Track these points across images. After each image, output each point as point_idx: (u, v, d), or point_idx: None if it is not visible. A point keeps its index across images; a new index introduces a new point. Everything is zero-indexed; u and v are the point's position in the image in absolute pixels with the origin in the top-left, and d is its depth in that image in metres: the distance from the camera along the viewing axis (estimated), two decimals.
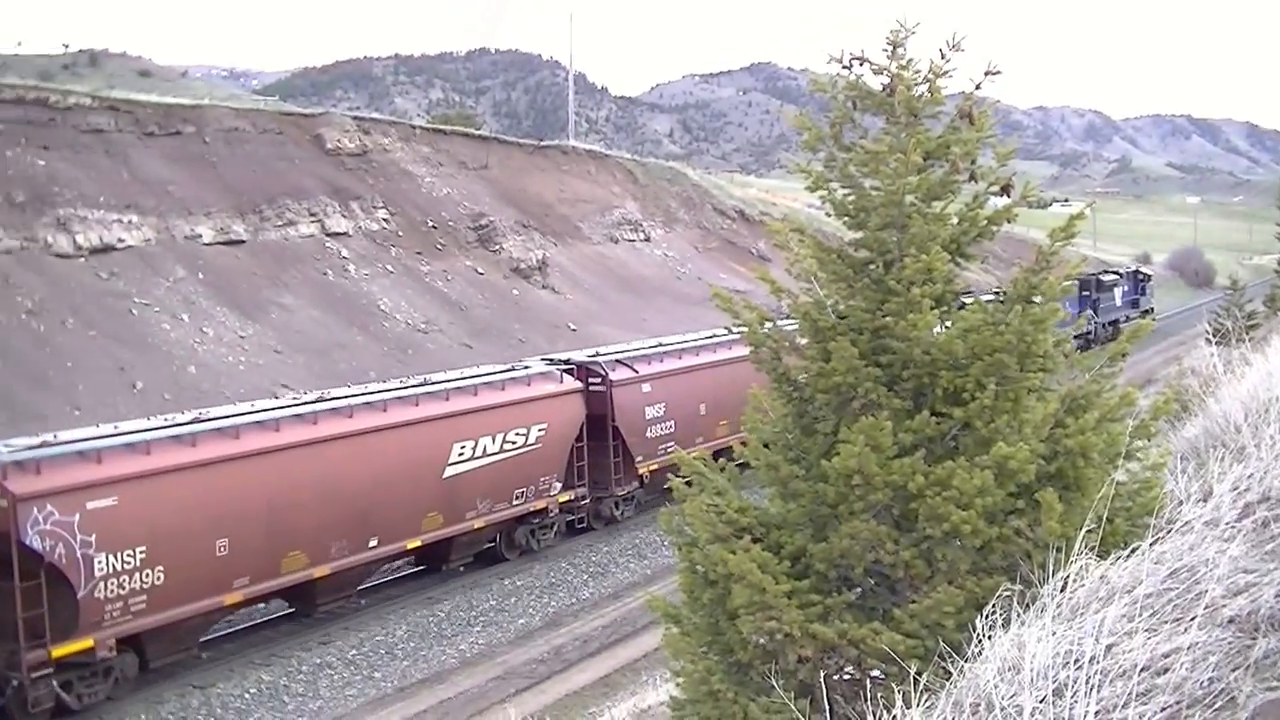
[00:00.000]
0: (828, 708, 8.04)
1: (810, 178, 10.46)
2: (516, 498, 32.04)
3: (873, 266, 10.19)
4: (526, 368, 33.99)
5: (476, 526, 30.91)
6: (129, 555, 22.23)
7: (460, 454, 29.97)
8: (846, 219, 10.43)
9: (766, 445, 10.72)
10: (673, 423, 37.26)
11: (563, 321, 59.08)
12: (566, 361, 35.49)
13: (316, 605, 27.52)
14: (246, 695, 24.31)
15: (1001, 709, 5.94)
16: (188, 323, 44.22)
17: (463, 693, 24.99)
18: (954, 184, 10.15)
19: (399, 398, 29.06)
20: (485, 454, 30.68)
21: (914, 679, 7.07)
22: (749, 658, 9.84)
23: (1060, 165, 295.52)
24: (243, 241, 51.04)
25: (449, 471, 29.71)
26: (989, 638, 6.85)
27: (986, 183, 10.26)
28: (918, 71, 10.09)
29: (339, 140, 61.33)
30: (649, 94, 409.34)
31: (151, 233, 47.36)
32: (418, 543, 29.15)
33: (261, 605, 27.96)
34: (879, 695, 7.57)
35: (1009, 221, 10.38)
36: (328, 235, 55.24)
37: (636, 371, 36.30)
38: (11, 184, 44.11)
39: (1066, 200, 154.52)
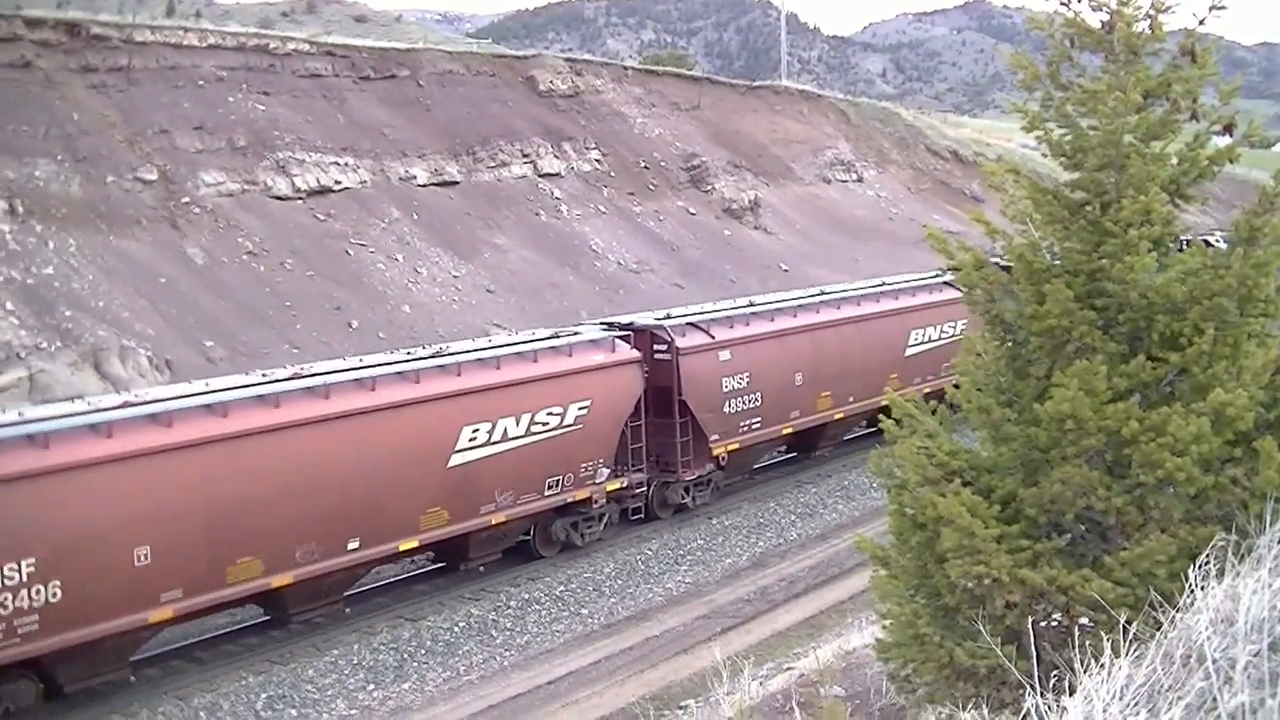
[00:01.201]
0: (1034, 654, 7.98)
1: (1026, 117, 10.31)
2: (550, 488, 27.40)
3: (1089, 208, 10.01)
4: (576, 333, 29.32)
5: (495, 522, 26.36)
6: (11, 570, 18.79)
7: (472, 439, 25.53)
8: (1063, 159, 10.26)
9: (979, 388, 10.63)
10: (759, 395, 32.18)
11: (774, 262, 58.87)
12: (628, 326, 30.66)
13: (290, 615, 24.22)
14: (456, 628, 24.88)
15: (1214, 661, 5.84)
16: (402, 263, 45.13)
17: (668, 630, 25.21)
18: (1174, 123, 9.91)
19: (397, 373, 24.89)
20: (506, 438, 26.17)
21: (1123, 628, 6.97)
22: (956, 602, 9.82)
23: None
24: (456, 183, 51.80)
25: (456, 460, 25.26)
26: (1202, 588, 6.72)
27: (1208, 122, 10.00)
28: (1138, 8, 9.84)
29: (551, 82, 61.74)
30: (862, 33, 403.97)
31: (367, 175, 48.35)
32: (414, 543, 24.98)
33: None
34: (1087, 643, 7.48)
35: (1231, 162, 10.11)
36: (540, 176, 55.73)
37: (713, 337, 31.19)
38: (233, 129, 45.41)
39: None
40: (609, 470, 28.85)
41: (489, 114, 56.32)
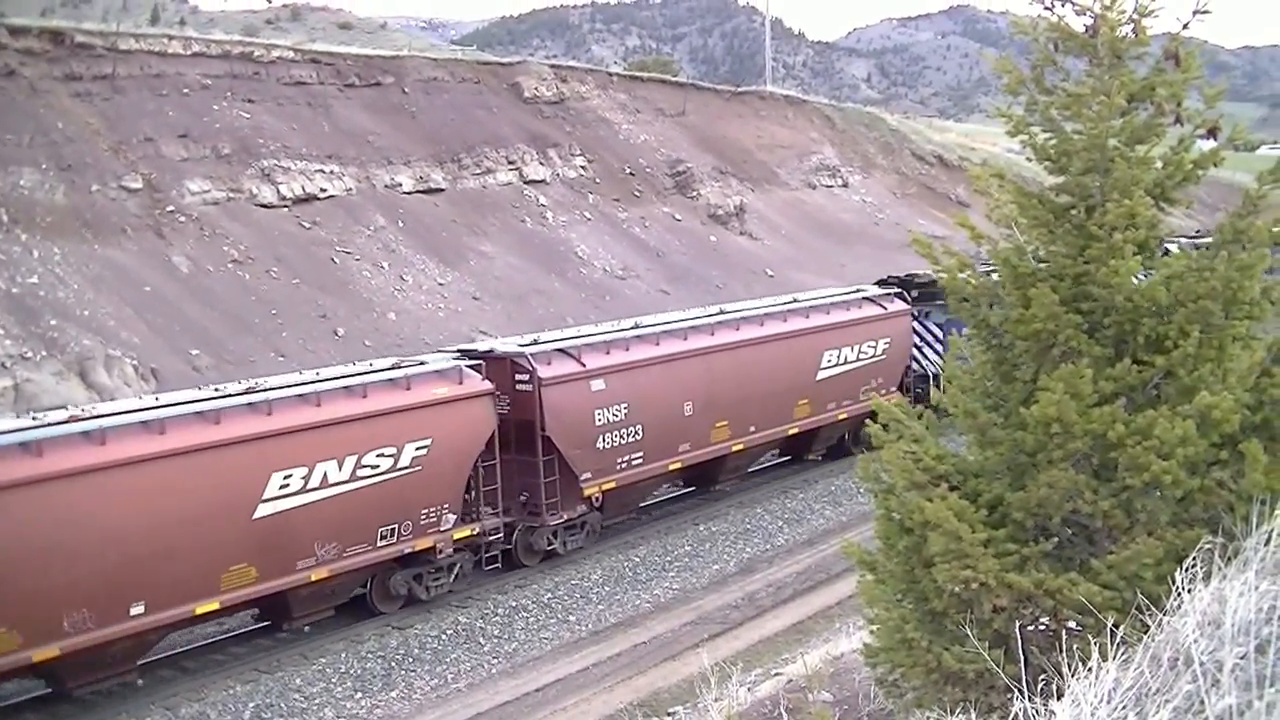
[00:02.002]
0: (1022, 658, 8.00)
1: (1011, 122, 10.34)
2: (384, 538, 24.37)
3: (1074, 212, 10.05)
4: (422, 363, 26.37)
5: (316, 578, 23.30)
6: None
7: (284, 486, 22.37)
8: (1047, 163, 10.29)
9: (964, 392, 10.65)
10: (639, 428, 28.95)
11: (760, 267, 58.92)
12: (485, 353, 27.81)
13: (69, 689, 21.25)
14: (443, 636, 24.87)
15: (1201, 664, 5.85)
16: (388, 270, 45.13)
17: (656, 637, 25.20)
18: (1159, 127, 9.95)
19: (195, 413, 21.83)
20: (327, 484, 23.06)
21: (1110, 631, 6.99)
22: (944, 606, 9.84)
23: (1270, 107, 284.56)
24: (442, 190, 51.80)
25: (264, 510, 22.12)
26: (1189, 591, 6.73)
27: (1192, 125, 10.02)
28: (1122, 11, 9.88)
29: (536, 88, 61.78)
30: (846, 39, 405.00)
31: (352, 182, 48.34)
32: (214, 605, 21.77)
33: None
34: (1074, 646, 7.50)
35: (1215, 165, 10.13)
36: (526, 183, 55.76)
37: (583, 365, 27.99)
38: (218, 136, 45.38)
39: (1276, 143, 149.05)
40: (456, 516, 25.86)
41: (474, 121, 56.35)
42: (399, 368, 25.60)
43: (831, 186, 73.54)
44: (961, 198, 74.43)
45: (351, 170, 48.60)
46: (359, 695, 22.46)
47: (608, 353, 28.78)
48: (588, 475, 28.14)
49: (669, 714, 20.17)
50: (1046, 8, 10.09)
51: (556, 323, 41.58)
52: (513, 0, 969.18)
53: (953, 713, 9.38)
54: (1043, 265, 10.07)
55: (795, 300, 36.11)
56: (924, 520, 9.63)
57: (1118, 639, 6.81)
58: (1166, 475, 8.76)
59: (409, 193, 50.33)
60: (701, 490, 33.83)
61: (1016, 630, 9.03)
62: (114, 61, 44.50)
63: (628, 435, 28.91)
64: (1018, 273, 10.08)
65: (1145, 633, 6.82)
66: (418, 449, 24.66)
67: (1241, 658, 5.77)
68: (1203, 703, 5.54)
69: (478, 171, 53.95)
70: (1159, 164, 10.03)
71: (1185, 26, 9.85)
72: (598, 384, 28.18)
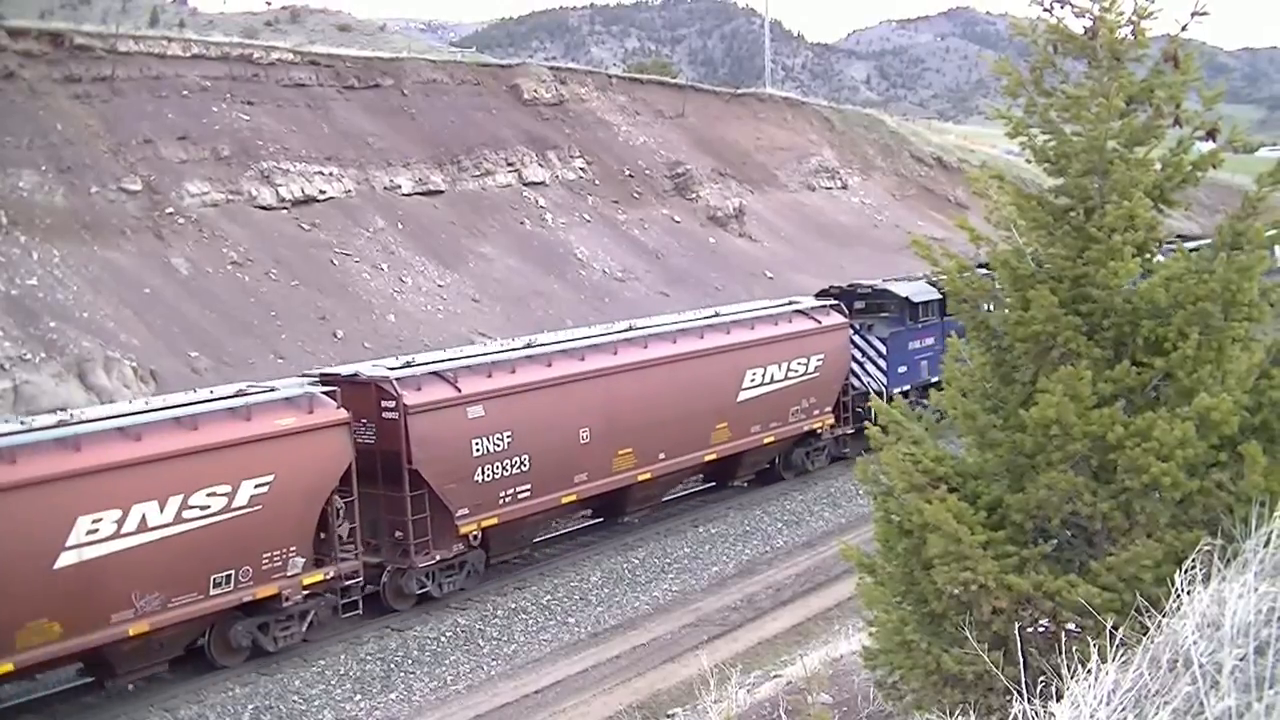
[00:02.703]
0: (1022, 660, 7.99)
1: (1010, 123, 10.34)
2: (218, 586, 21.90)
3: (1073, 213, 10.04)
4: (272, 389, 23.74)
5: (135, 632, 20.77)
6: None
7: (93, 531, 19.90)
8: (1047, 165, 10.29)
9: (964, 394, 10.64)
10: (526, 458, 26.45)
11: (760, 269, 58.88)
12: (348, 377, 25.47)
13: None
14: (443, 638, 24.86)
15: (1200, 666, 5.85)
16: (387, 272, 45.11)
17: (655, 639, 25.20)
18: (1158, 129, 9.95)
19: None
20: (146, 528, 20.57)
21: (1110, 633, 6.99)
22: (943, 608, 9.84)
23: (1269, 108, 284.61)
24: (441, 192, 51.78)
25: (69, 559, 19.65)
26: (1188, 593, 6.73)
27: (1191, 127, 10.03)
28: (1121, 13, 9.88)
29: (536, 90, 61.75)
30: (845, 40, 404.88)
31: (352, 184, 48.32)
32: (9, 666, 19.35)
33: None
34: (1074, 648, 7.49)
35: (1214, 167, 10.13)
36: (525, 184, 55.73)
37: (459, 389, 25.44)
38: (218, 138, 45.37)
39: (1276, 145, 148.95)
40: (306, 559, 23.35)
41: (473, 123, 56.33)
42: (242, 395, 23.12)
43: (830, 188, 73.52)
44: (961, 199, 74.40)
45: (351, 172, 48.59)
46: (358, 697, 22.46)
47: (489, 376, 26.18)
48: (464, 511, 25.61)
49: (668, 716, 20.18)
50: (1045, 10, 10.09)
51: (557, 325, 41.55)
52: (512, 2, 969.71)
53: (952, 715, 9.38)
54: (1042, 267, 10.07)
55: (717, 314, 33.74)
56: (923, 522, 9.63)
57: (1117, 641, 6.82)
58: (1166, 477, 8.76)
59: (408, 194, 50.32)
60: (610, 522, 31.29)
61: (1016, 632, 9.02)
62: (113, 63, 44.49)
63: (512, 466, 26.37)
64: (1017, 275, 10.08)
65: (1144, 634, 6.82)
66: (258, 486, 22.01)
67: (1241, 659, 5.77)
68: (1202, 705, 5.54)
69: (477, 173, 53.94)
70: (1158, 166, 10.03)
71: (1184, 28, 9.85)
72: (476, 410, 25.64)
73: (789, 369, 33.33)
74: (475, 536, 26.14)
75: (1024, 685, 7.11)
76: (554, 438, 27.19)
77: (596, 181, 59.25)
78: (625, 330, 30.84)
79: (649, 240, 57.32)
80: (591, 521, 31.40)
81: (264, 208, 44.68)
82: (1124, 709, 5.95)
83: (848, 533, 29.77)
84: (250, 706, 21.78)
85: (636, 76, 75.74)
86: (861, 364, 36.92)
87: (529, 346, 28.30)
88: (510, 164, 55.74)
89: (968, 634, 9.22)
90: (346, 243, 45.52)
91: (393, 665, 23.64)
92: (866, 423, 35.94)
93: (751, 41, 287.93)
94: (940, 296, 37.10)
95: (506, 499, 26.40)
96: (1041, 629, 9.53)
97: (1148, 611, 7.06)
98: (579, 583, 27.71)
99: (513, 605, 26.40)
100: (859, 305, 37.67)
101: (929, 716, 9.99)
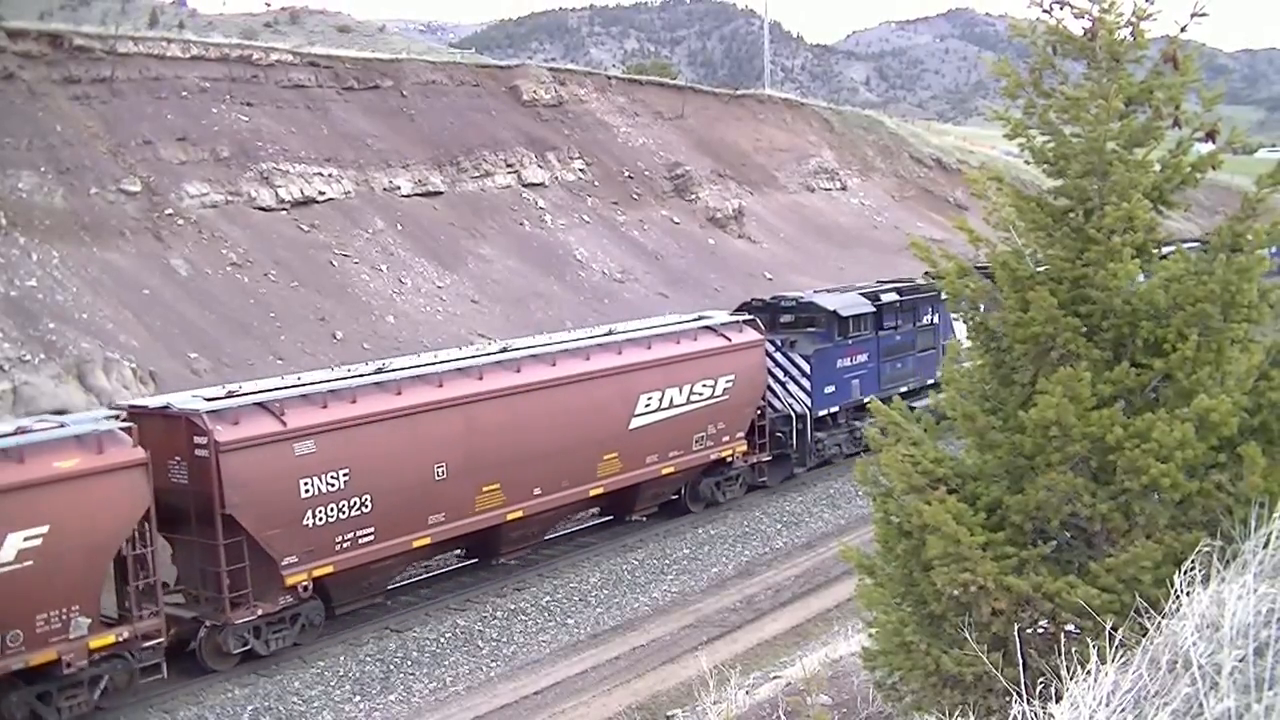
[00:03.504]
0: (1021, 661, 8.00)
1: (1009, 125, 10.34)
2: None
3: (1072, 215, 10.05)
4: (61, 425, 20.91)
5: None
6: None
7: None
8: (1046, 166, 10.29)
9: (963, 395, 10.64)
10: (367, 498, 23.66)
11: (759, 270, 58.88)
12: (161, 409, 22.83)
13: None
14: (442, 639, 24.87)
15: (1199, 667, 5.85)
16: (386, 273, 45.09)
17: (655, 640, 25.21)
18: (1157, 130, 9.95)
19: None
20: None
21: (1109, 634, 6.99)
22: (942, 609, 9.84)
23: (1268, 109, 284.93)
24: (440, 193, 51.77)
25: None
26: (1187, 594, 6.73)
27: (1191, 128, 10.03)
28: (1120, 15, 9.88)
29: (535, 92, 61.75)
30: (845, 42, 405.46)
31: (351, 185, 48.29)
32: None
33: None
34: (1073, 650, 7.49)
35: (1214, 168, 10.13)
36: (524, 186, 55.73)
37: (284, 422, 22.54)
38: (217, 140, 45.35)
39: (1275, 145, 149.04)
40: (92, 620, 20.45)
41: (473, 124, 56.33)
42: (22, 432, 20.10)
43: (830, 189, 73.55)
44: (960, 201, 74.43)
45: (350, 173, 48.57)
46: (357, 698, 22.47)
47: (324, 406, 23.35)
48: (292, 560, 22.90)
49: (668, 717, 20.21)
50: (1045, 11, 10.09)
51: (556, 326, 41.56)
52: (511, 3, 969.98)
53: (951, 716, 9.38)
54: (1041, 268, 10.08)
55: (612, 332, 30.70)
56: (922, 523, 9.63)
57: (1116, 642, 6.82)
58: (1165, 478, 8.76)
59: (407, 196, 50.30)
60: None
61: (1015, 633, 9.02)
62: (112, 65, 44.47)
63: (350, 508, 23.50)
64: (1016, 276, 10.08)
65: (1144, 635, 6.83)
66: (28, 539, 19.11)
67: (1240, 660, 5.77)
68: (1201, 706, 5.54)
69: (476, 174, 53.93)
70: (1157, 167, 10.04)
71: (1183, 29, 9.85)
72: (305, 446, 22.77)
73: (692, 392, 30.55)
74: (305, 587, 23.23)
75: (1023, 686, 7.11)
76: (402, 475, 24.35)
77: (596, 183, 59.25)
78: (495, 352, 27.85)
79: (648, 241, 57.32)
80: (465, 563, 28.71)
81: (263, 209, 44.65)
82: (1123, 710, 5.95)
83: (847, 534, 29.81)
84: (249, 708, 21.79)
85: (636, 78, 75.72)
86: (783, 384, 34.35)
87: (379, 372, 25.47)
88: (509, 165, 55.73)
89: (967, 635, 9.22)
90: (346, 244, 45.50)
91: (392, 666, 23.65)
92: (790, 449, 32.75)
93: (751, 43, 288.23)
94: (874, 310, 36.61)
95: (344, 544, 23.60)
96: (1041, 630, 9.53)
97: (1147, 613, 7.06)
98: (578, 584, 27.71)
99: (512, 606, 26.41)
100: (784, 319, 35.45)
101: (928, 717, 9.99)
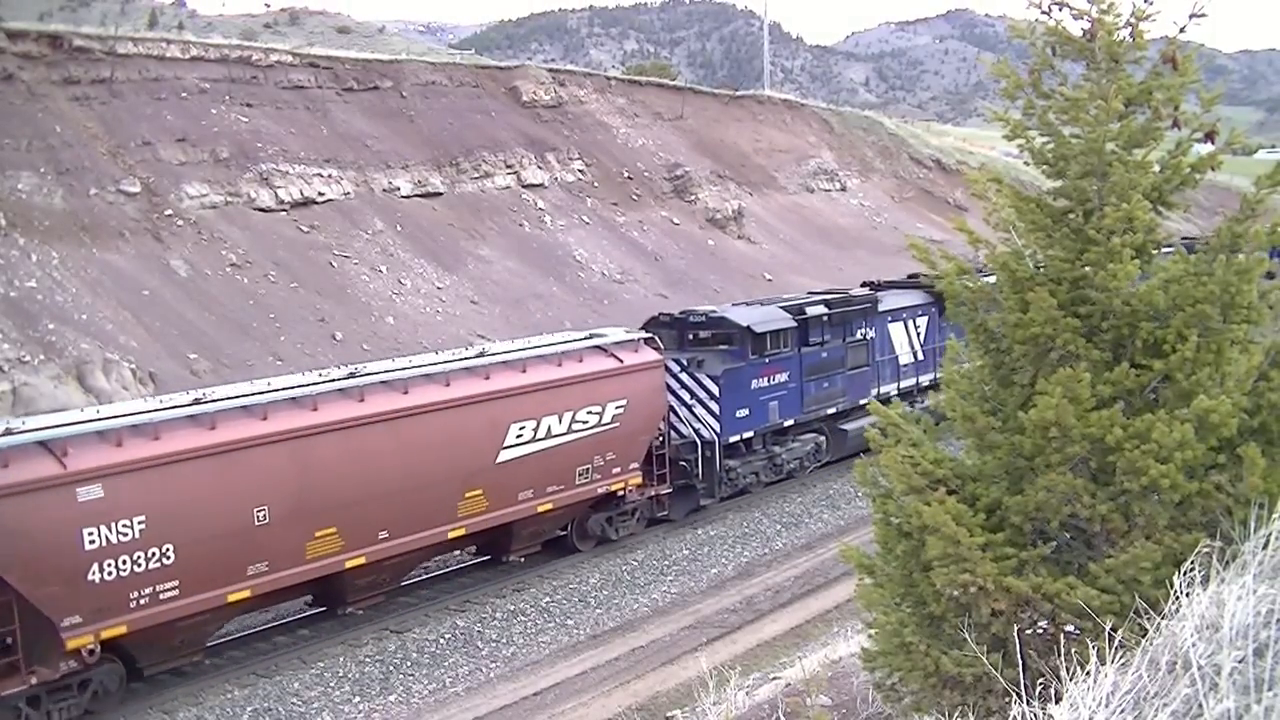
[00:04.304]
0: (1021, 662, 8.00)
1: (1009, 126, 10.34)
2: None
3: (1072, 215, 10.05)
4: None
5: None
6: None
7: None
8: (1045, 167, 10.29)
9: (963, 396, 10.64)
10: (168, 549, 20.39)
11: (758, 272, 58.94)
12: None
13: None
14: (441, 640, 24.85)
15: (1199, 668, 5.85)
16: (386, 274, 45.12)
17: (654, 641, 25.19)
18: (1156, 131, 9.95)
19: None
20: None
21: (1109, 635, 7.00)
22: (942, 610, 9.84)
23: (1267, 110, 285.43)
24: (440, 194, 51.83)
25: None
26: (1187, 595, 6.74)
27: (1190, 129, 10.03)
28: (1119, 15, 9.88)
29: (534, 92, 61.81)
30: (844, 43, 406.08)
31: (350, 186, 48.35)
32: None
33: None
34: (1073, 650, 7.50)
35: (1213, 169, 10.14)
36: (524, 187, 55.81)
37: (64, 464, 19.36)
38: (216, 140, 45.41)
39: (1274, 146, 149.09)
40: None
41: (472, 125, 56.39)
42: None
43: (829, 190, 73.65)
44: (960, 202, 74.54)
45: (350, 174, 48.63)
46: (357, 699, 22.44)
47: (118, 444, 20.10)
48: (75, 620, 19.76)
49: (667, 718, 20.19)
50: (1044, 12, 10.09)
51: (555, 327, 41.56)
52: (511, 4, 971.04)
53: (951, 717, 9.38)
54: (1041, 269, 10.08)
55: (483, 354, 27.10)
56: (922, 524, 9.63)
57: (1116, 643, 6.82)
58: (1165, 479, 8.77)
59: (407, 196, 50.36)
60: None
61: (1015, 634, 9.03)
62: (112, 65, 44.53)
63: (148, 560, 20.29)
64: (1016, 277, 10.08)
65: (1143, 636, 6.83)
66: None
67: (1240, 661, 5.77)
68: (1201, 707, 5.54)
69: (476, 175, 53.99)
70: (1156, 168, 10.04)
71: (1182, 30, 9.86)
72: (90, 491, 19.55)
73: (574, 420, 27.15)
74: (93, 650, 19.99)
75: (1023, 687, 7.12)
76: (212, 521, 21.14)
77: (595, 183, 59.32)
78: (338, 379, 24.20)
79: (648, 242, 57.38)
80: (314, 610, 25.56)
81: (263, 210, 44.71)
82: (1123, 711, 5.95)
83: (846, 535, 29.81)
84: (249, 709, 21.76)
85: (635, 79, 75.85)
86: (690, 407, 31.06)
87: (195, 404, 21.92)
88: (509, 166, 55.80)
89: (967, 636, 9.22)
90: (345, 245, 45.55)
91: (391, 667, 23.63)
92: (696, 479, 30.66)
93: (750, 44, 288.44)
94: (795, 324, 33.41)
95: (141, 601, 20.40)
96: (1040, 631, 9.53)
97: (1147, 613, 7.06)
98: (578, 585, 27.69)
99: (511, 607, 26.39)
100: (694, 336, 32.45)
101: (928, 718, 9.99)
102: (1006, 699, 7.80)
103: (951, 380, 10.86)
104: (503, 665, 24.07)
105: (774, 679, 18.58)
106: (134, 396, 30.67)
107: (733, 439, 31.83)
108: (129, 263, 38.92)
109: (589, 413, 27.35)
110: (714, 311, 33.24)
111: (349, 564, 23.31)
